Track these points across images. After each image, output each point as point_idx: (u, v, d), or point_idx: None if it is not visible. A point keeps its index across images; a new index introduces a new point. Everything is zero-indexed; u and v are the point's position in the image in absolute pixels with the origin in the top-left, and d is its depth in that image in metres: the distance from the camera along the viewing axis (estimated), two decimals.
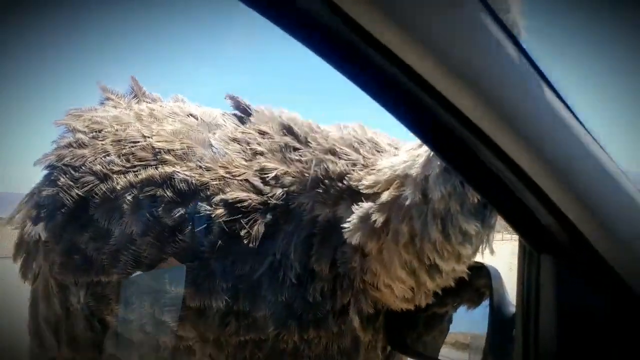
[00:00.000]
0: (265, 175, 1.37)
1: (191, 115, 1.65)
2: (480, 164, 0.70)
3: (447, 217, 1.09)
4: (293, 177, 1.36)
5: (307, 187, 1.34)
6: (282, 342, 1.29)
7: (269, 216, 1.33)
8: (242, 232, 1.30)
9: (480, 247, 1.15)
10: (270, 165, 1.39)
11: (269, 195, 1.34)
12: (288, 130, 1.48)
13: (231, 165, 1.41)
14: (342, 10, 0.50)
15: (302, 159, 1.39)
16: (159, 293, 1.37)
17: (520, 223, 0.79)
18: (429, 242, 1.12)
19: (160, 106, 1.75)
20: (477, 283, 1.23)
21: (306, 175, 1.36)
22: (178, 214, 1.36)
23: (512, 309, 1.05)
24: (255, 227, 1.30)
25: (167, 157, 1.46)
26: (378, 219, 1.19)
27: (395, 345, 1.37)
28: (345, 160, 1.35)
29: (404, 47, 0.54)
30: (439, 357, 1.31)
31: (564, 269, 0.78)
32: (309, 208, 1.32)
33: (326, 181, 1.32)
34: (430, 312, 1.31)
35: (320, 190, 1.32)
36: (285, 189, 1.35)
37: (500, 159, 0.66)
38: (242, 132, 1.51)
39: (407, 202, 1.14)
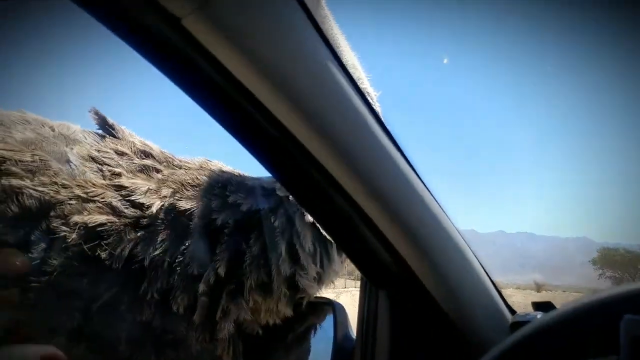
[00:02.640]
0: (132, 195, 1.28)
1: (45, 125, 1.45)
2: (330, 205, 0.76)
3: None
4: (169, 189, 1.31)
5: (189, 196, 1.30)
6: None
7: (133, 235, 1.23)
8: (103, 254, 1.19)
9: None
10: (138, 182, 1.31)
11: (137, 215, 1.25)
12: (145, 154, 1.41)
13: (89, 185, 1.29)
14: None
15: (168, 179, 1.34)
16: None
17: (363, 262, 0.87)
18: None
19: (7, 113, 1.52)
20: (314, 318, 1.31)
21: (183, 187, 1.32)
22: (23, 232, 1.21)
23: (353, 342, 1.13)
24: (119, 249, 1.21)
25: (15, 169, 1.28)
26: None
27: None
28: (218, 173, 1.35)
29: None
30: None
31: (397, 303, 0.87)
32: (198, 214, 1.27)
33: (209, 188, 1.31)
34: (282, 337, 1.35)
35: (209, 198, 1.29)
36: (162, 203, 1.28)
37: (343, 197, 0.71)
38: (100, 151, 1.38)
39: None
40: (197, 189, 1.32)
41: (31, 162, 1.30)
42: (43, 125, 1.44)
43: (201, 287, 1.21)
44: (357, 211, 0.73)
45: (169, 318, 1.21)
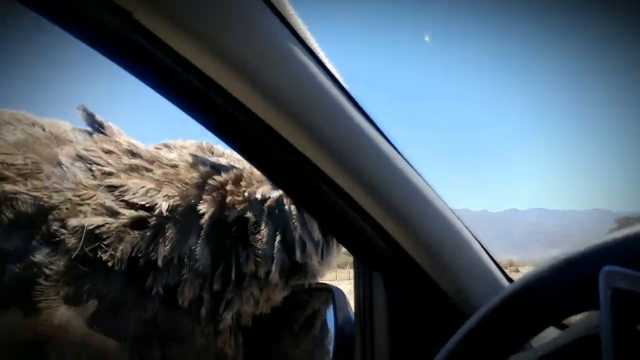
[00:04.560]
0: (125, 195, 1.28)
1: (36, 124, 1.42)
2: (314, 188, 0.75)
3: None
4: (173, 188, 1.31)
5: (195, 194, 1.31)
6: None
7: (133, 235, 1.24)
8: (104, 256, 1.20)
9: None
10: (136, 182, 1.30)
11: (135, 215, 1.25)
12: (132, 153, 1.39)
13: (81, 187, 1.27)
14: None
15: (170, 179, 1.33)
16: None
17: (355, 245, 0.86)
18: None
19: None
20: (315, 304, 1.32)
21: (187, 186, 1.32)
22: (20, 239, 1.20)
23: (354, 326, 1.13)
24: (119, 250, 1.21)
25: (8, 173, 1.26)
26: None
27: None
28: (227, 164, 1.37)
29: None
30: None
31: (391, 284, 0.86)
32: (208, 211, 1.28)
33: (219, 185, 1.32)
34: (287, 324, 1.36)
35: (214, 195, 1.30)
36: (170, 202, 1.28)
37: (325, 183, 0.70)
38: (88, 150, 1.36)
39: None
40: (201, 187, 1.32)
41: (23, 165, 1.27)
42: (33, 125, 1.41)
43: (207, 282, 1.23)
44: (339, 194, 0.72)
45: (173, 313, 1.22)
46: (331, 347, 1.18)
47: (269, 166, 0.73)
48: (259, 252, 1.24)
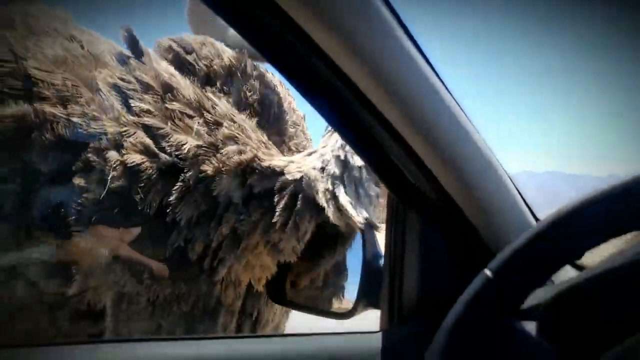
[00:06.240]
0: (162, 140, 1.26)
1: (74, 39, 1.35)
2: (356, 120, 0.74)
3: None
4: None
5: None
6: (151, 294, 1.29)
7: (165, 182, 1.25)
8: (137, 195, 1.23)
9: None
10: (180, 137, 1.27)
11: (170, 162, 1.25)
12: (170, 89, 1.31)
13: (122, 120, 1.25)
14: None
15: (214, 140, 1.28)
16: None
17: (390, 179, 0.85)
18: None
19: (36, 13, 1.40)
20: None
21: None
22: (57, 163, 1.22)
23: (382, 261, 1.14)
24: (151, 194, 1.23)
25: (47, 93, 1.22)
26: None
27: (276, 298, 1.42)
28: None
29: None
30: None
31: (427, 222, 0.86)
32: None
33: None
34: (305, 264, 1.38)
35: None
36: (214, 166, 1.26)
37: (374, 116, 0.69)
38: (125, 80, 1.30)
39: None
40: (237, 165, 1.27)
41: (62, 85, 1.24)
42: (72, 39, 1.35)
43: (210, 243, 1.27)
44: (384, 126, 0.70)
45: (186, 259, 1.28)
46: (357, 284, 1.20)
47: (312, 90, 0.71)
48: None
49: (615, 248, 0.53)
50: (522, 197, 0.85)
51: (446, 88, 0.71)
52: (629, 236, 0.48)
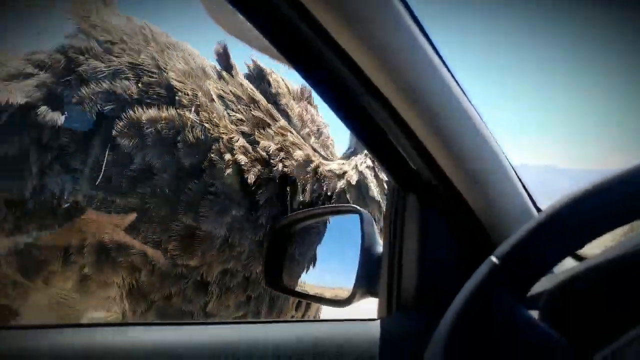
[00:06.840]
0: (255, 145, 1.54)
1: (191, 54, 1.64)
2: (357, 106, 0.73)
3: None
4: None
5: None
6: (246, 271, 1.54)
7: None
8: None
9: None
10: (271, 145, 1.55)
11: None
12: (254, 102, 1.57)
13: (226, 127, 1.50)
14: None
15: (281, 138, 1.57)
16: None
17: (392, 165, 0.84)
18: None
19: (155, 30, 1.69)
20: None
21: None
22: (194, 160, 1.46)
23: (381, 249, 1.14)
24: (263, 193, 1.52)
25: (185, 100, 1.46)
26: None
27: (273, 285, 1.42)
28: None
29: None
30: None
31: (427, 208, 0.85)
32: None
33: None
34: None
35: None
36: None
37: (377, 100, 0.68)
38: (225, 92, 1.55)
39: None
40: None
41: (192, 95, 1.48)
42: (189, 54, 1.62)
43: None
44: (390, 113, 0.70)
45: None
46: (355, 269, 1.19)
47: (313, 70, 0.70)
48: None
49: (613, 238, 0.54)
50: (524, 186, 0.85)
51: (453, 77, 0.70)
52: (626, 228, 0.48)
